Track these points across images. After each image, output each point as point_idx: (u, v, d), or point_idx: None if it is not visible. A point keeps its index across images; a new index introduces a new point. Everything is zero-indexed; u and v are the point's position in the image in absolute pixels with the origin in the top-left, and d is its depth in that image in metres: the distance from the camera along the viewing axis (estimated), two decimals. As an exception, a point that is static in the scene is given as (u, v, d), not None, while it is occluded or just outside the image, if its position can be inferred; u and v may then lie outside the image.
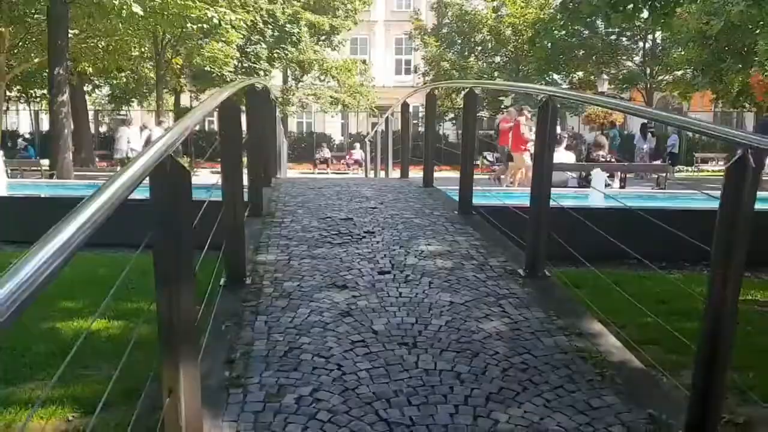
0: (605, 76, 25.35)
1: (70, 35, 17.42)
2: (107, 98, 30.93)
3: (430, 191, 6.39)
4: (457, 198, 5.88)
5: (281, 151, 10.74)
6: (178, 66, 20.24)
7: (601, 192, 8.67)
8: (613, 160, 12.17)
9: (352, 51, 35.63)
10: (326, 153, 25.86)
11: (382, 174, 10.35)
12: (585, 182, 10.72)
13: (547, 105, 3.66)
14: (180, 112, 29.02)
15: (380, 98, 32.04)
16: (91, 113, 30.13)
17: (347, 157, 26.01)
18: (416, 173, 8.37)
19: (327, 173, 24.49)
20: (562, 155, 10.81)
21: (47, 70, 13.73)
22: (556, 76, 28.94)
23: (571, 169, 10.86)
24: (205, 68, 20.44)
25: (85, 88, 28.76)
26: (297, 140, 31.75)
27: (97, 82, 28.75)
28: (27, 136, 29.69)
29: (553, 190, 3.82)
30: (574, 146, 11.77)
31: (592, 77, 27.83)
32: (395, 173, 8.71)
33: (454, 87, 23.97)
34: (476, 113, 5.73)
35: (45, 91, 28.93)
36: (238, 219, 3.54)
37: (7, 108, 34.11)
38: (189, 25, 13.23)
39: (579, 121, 27.11)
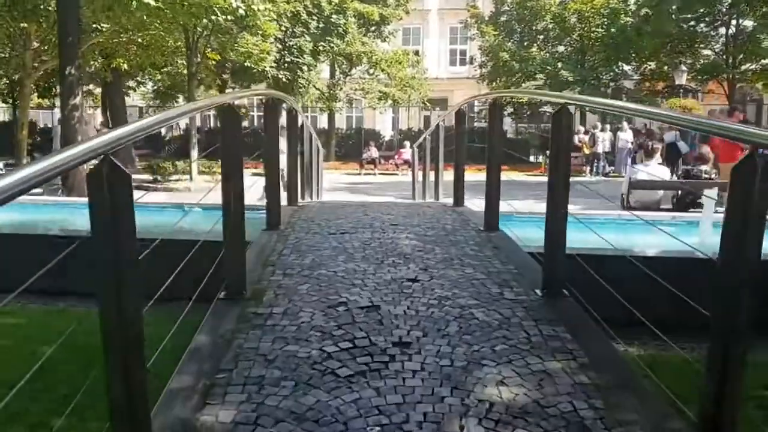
0: (683, 67, 22.73)
1: (103, 29, 16.27)
2: (152, 94, 30.70)
3: (496, 241, 4.58)
4: (527, 245, 4.25)
5: (313, 171, 8.97)
6: (214, 62, 18.83)
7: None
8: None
9: (404, 42, 33.92)
10: (374, 153, 24.17)
11: (432, 180, 8.63)
12: (681, 204, 8.68)
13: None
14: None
15: (433, 91, 30.26)
16: (136, 110, 29.48)
17: (396, 156, 24.28)
18: (473, 174, 6.72)
19: (374, 174, 22.89)
20: (655, 169, 8.82)
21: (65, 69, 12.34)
22: (626, 67, 26.40)
23: (669, 188, 8.83)
24: (245, 64, 19.02)
25: (129, 84, 28.07)
26: (344, 137, 30.24)
27: (140, 78, 28.10)
28: (70, 134, 29.18)
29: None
30: (653, 150, 9.72)
31: (666, 68, 25.21)
32: (449, 175, 6.86)
33: (519, 85, 21.64)
34: (571, 138, 3.92)
35: (89, 88, 28.39)
36: (132, 380, 1.83)
37: (53, 105, 33.84)
38: (213, 16, 11.69)
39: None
